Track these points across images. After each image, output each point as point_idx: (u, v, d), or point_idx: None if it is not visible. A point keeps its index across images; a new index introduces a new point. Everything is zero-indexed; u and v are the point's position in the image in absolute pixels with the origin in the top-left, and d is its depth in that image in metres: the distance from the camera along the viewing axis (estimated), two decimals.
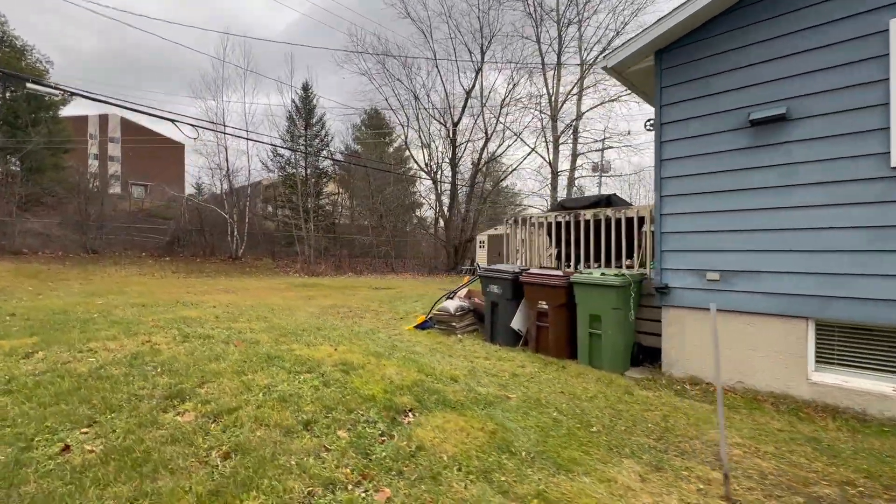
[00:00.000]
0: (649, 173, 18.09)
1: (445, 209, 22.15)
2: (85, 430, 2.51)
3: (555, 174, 18.27)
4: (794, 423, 3.37)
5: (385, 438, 2.67)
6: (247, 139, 18.63)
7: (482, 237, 20.61)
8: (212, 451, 2.36)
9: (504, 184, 25.60)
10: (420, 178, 26.11)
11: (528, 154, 20.90)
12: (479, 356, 4.81)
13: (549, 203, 18.63)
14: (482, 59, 19.42)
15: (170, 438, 2.44)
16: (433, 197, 25.99)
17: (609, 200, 5.55)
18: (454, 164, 21.53)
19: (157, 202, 24.29)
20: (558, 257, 5.89)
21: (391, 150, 35.27)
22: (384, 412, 3.00)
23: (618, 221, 5.19)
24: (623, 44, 4.57)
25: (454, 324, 5.90)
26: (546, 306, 5.01)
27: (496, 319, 5.59)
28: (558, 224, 5.79)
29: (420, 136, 22.55)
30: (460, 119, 20.90)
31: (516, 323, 5.40)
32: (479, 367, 4.37)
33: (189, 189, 26.54)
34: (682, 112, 4.32)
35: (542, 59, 18.11)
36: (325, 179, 23.95)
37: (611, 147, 18.97)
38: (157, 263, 15.89)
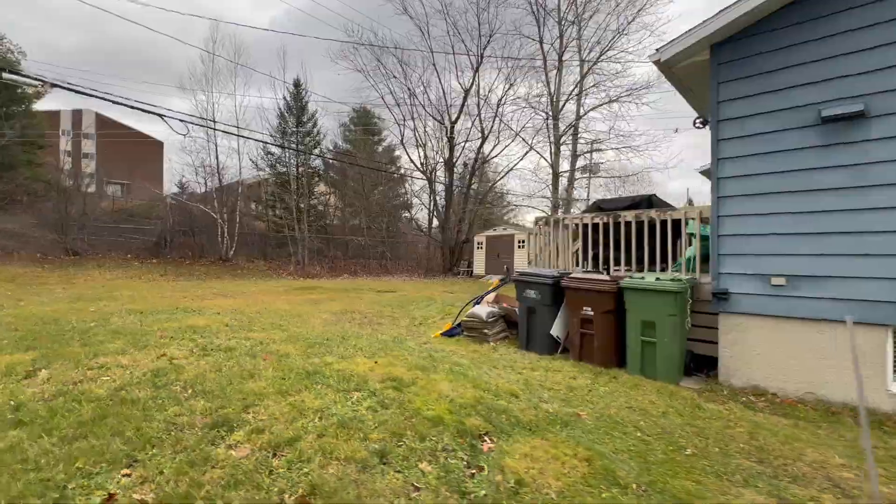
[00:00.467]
0: (647, 174, 18.16)
1: (441, 210, 21.80)
2: (126, 471, 2.11)
3: (556, 175, 18.12)
4: (885, 439, 3.18)
5: (474, 471, 2.34)
6: (237, 136, 17.92)
7: (480, 238, 20.34)
8: (284, 496, 2.00)
9: (496, 185, 25.36)
10: (412, 177, 25.70)
11: (527, 152, 20.72)
12: (525, 367, 4.52)
13: (551, 204, 18.50)
14: (480, 57, 19.17)
15: (231, 480, 2.06)
16: (426, 197, 25.65)
17: (650, 201, 5.33)
18: (451, 163, 21.18)
19: (138, 201, 23.24)
20: (594, 260, 5.64)
21: (380, 149, 34.78)
22: (459, 438, 2.67)
23: (662, 223, 4.96)
24: (677, 37, 4.35)
25: (486, 331, 5.59)
26: (591, 312, 4.75)
27: (533, 326, 5.30)
28: (595, 226, 5.54)
29: (416, 136, 22.17)
30: (458, 118, 20.59)
31: (556, 330, 5.13)
32: (532, 379, 4.08)
33: (171, 188, 25.49)
34: (742, 109, 4.11)
35: (545, 59, 17.95)
36: (316, 179, 23.31)
37: (599, 150, 18.94)
38: (144, 266, 15.09)
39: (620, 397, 3.76)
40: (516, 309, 5.87)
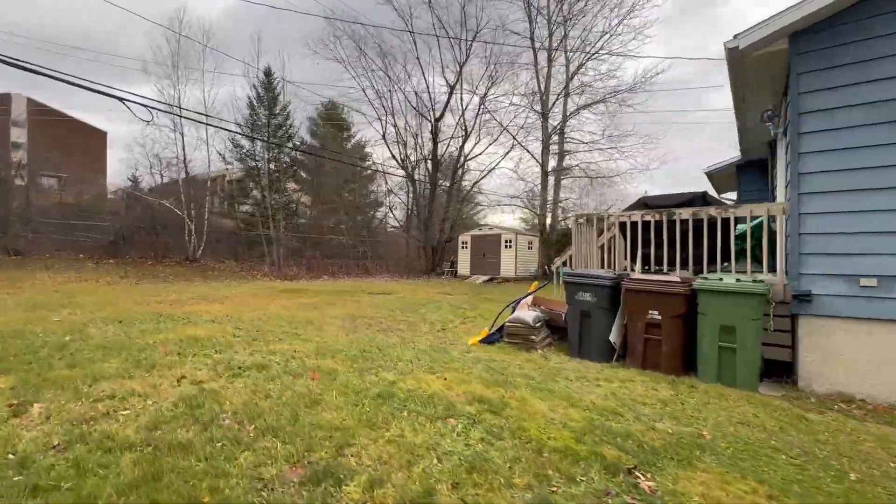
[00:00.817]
0: (611, 179, 18.08)
1: (424, 208, 21.18)
2: None
3: (545, 173, 18.01)
4: None
5: None
6: (206, 125, 16.43)
7: (465, 238, 19.91)
8: None
9: (470, 185, 24.95)
10: (388, 173, 24.88)
11: (508, 151, 20.55)
12: (597, 378, 4.12)
13: (540, 203, 18.35)
14: (467, 53, 18.75)
15: None
16: (405, 195, 24.99)
17: (704, 198, 5.09)
18: (435, 161, 20.62)
19: (87, 196, 20.95)
20: (645, 260, 5.34)
21: (349, 145, 33.64)
22: (610, 475, 2.22)
23: (725, 221, 4.73)
24: (756, 24, 4.11)
25: (533, 337, 5.16)
26: (658, 316, 4.43)
27: (586, 331, 4.93)
28: (645, 224, 5.24)
29: (396, 132, 21.43)
30: (443, 114, 20.03)
31: (614, 335, 4.78)
32: (617, 393, 3.68)
33: (123, 182, 23.20)
34: (828, 101, 3.92)
35: (535, 55, 17.79)
36: (288, 175, 21.96)
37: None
38: (100, 267, 13.46)
39: (719, 410, 3.43)
40: (561, 313, 5.50)
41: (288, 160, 21.91)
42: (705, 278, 4.27)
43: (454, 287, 14.89)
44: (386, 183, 25.13)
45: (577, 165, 17.56)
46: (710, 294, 4.15)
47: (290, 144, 21.95)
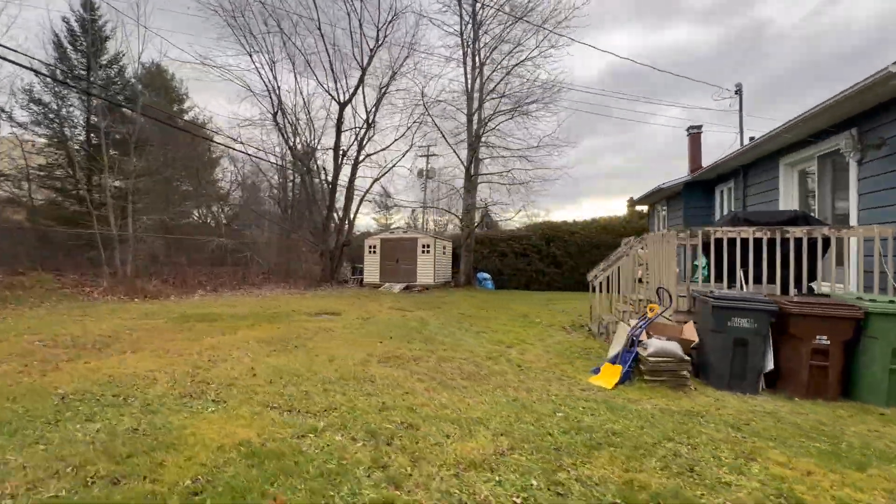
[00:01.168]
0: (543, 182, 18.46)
1: (323, 204, 18.13)
2: None
3: (469, 177, 17.28)
4: None
5: None
6: None
7: (373, 241, 17.79)
8: None
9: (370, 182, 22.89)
10: (280, 166, 20.74)
11: (408, 149, 19.29)
12: (820, 423, 3.60)
13: (463, 208, 17.52)
14: (381, 36, 16.62)
15: None
16: (290, 190, 21.33)
17: (806, 217, 5.18)
18: (337, 151, 17.78)
19: None
20: (757, 280, 5.15)
21: (181, 122, 27.32)
22: None
23: (825, 240, 4.87)
24: None
25: (684, 373, 4.42)
26: (827, 342, 4.22)
27: (740, 361, 4.44)
28: (757, 241, 5.06)
29: (285, 116, 17.77)
30: (351, 99, 17.36)
31: (770, 363, 4.41)
32: (892, 444, 3.21)
33: None
34: None
35: (464, 51, 16.84)
36: (132, 149, 15.92)
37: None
38: None
39: None
40: (692, 341, 4.90)
41: (124, 131, 16.00)
42: (873, 300, 4.23)
43: (388, 298, 13.02)
44: (282, 178, 20.86)
45: (507, 172, 17.44)
46: (885, 317, 4.10)
47: (129, 107, 16.11)
